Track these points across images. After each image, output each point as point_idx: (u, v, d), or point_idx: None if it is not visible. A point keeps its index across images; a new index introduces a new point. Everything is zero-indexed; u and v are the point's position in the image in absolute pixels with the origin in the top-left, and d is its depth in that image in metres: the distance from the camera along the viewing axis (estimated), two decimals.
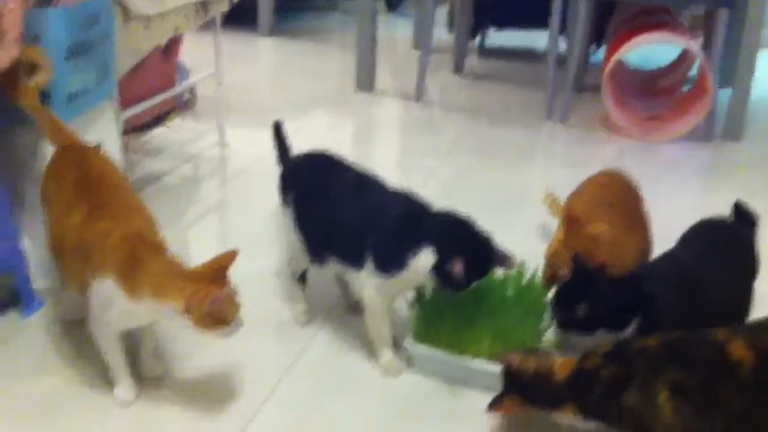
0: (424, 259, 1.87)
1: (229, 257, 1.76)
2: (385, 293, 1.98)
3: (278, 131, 2.30)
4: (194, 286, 1.69)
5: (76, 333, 2.11)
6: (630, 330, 1.82)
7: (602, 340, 1.77)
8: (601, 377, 1.67)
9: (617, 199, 2.20)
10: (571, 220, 2.07)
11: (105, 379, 1.93)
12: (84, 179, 1.94)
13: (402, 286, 1.98)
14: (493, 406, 1.80)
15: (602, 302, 1.83)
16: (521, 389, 1.77)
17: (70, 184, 1.93)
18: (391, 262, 1.92)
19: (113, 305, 1.76)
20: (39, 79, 2.06)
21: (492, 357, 1.89)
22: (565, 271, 1.94)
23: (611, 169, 2.32)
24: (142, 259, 1.75)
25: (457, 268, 1.83)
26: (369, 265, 1.95)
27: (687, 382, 1.59)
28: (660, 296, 1.84)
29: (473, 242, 1.89)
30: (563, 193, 2.42)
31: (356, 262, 1.98)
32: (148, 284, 1.72)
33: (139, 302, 1.74)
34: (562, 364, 1.74)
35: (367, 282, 1.98)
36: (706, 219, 2.07)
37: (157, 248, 1.81)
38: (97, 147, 2.18)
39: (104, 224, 1.81)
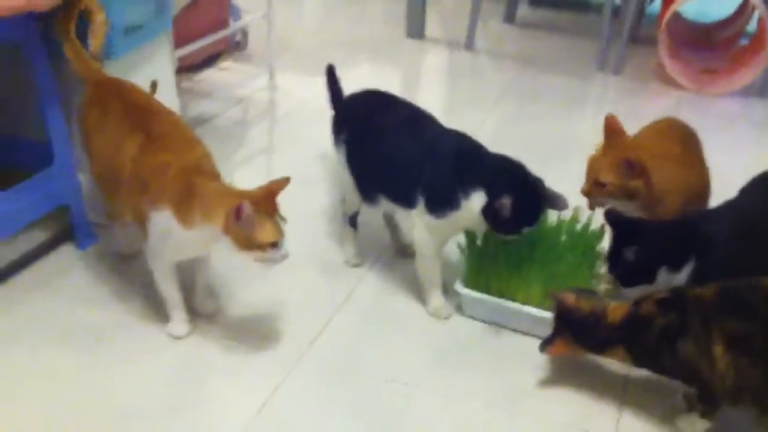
0: (476, 200, 1.87)
1: (281, 183, 1.76)
2: (436, 234, 1.98)
3: (331, 74, 2.28)
4: (236, 201, 1.69)
5: (127, 268, 2.15)
6: (685, 273, 1.79)
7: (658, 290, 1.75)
8: (656, 325, 1.66)
9: (674, 137, 2.15)
10: (612, 129, 2.00)
11: (157, 313, 1.96)
12: (135, 110, 1.94)
13: (454, 227, 1.97)
14: (545, 346, 1.81)
15: (653, 241, 1.80)
16: (572, 328, 1.77)
17: (119, 115, 1.93)
18: (443, 203, 1.91)
19: (170, 236, 1.78)
20: (92, 38, 2.06)
21: (545, 297, 1.88)
22: (608, 178, 1.92)
23: (670, 117, 2.27)
24: (197, 188, 1.76)
25: (505, 207, 1.81)
26: (421, 205, 1.94)
27: (743, 332, 1.57)
28: (717, 239, 1.81)
29: (523, 184, 1.87)
30: None
31: (408, 201, 1.97)
32: (200, 209, 1.74)
33: (192, 229, 1.75)
34: (615, 308, 1.74)
35: (418, 222, 1.97)
36: (766, 171, 2.02)
37: (213, 177, 1.82)
38: (153, 84, 2.19)
39: (163, 156, 1.81)
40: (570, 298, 1.78)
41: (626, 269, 1.82)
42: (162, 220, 1.77)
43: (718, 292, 1.63)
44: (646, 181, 1.93)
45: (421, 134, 2.01)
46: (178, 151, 1.84)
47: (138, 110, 1.95)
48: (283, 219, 1.75)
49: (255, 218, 1.69)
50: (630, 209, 1.96)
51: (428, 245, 2.00)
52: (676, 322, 1.64)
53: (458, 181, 1.89)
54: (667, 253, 1.80)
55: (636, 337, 1.70)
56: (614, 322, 1.72)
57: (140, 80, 2.24)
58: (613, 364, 1.85)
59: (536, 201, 1.89)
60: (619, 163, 1.93)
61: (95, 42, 2.06)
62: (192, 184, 1.75)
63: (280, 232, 1.73)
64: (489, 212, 1.85)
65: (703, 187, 2.07)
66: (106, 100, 1.99)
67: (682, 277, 1.79)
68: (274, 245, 1.72)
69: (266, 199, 1.73)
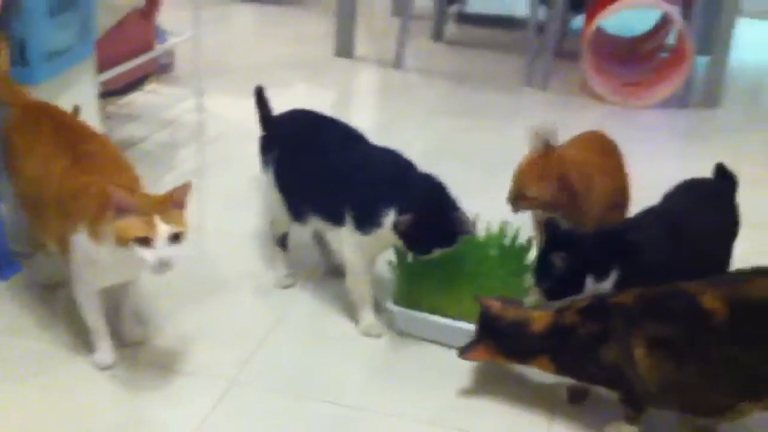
0: (392, 218, 1.88)
1: (181, 189, 1.68)
2: (364, 251, 1.99)
3: (260, 96, 2.27)
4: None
5: (52, 297, 2.10)
6: (611, 281, 1.82)
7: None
8: (579, 333, 1.69)
9: (597, 148, 2.20)
10: (537, 140, 2.02)
11: (85, 342, 1.92)
12: (64, 131, 1.91)
13: (381, 244, 1.98)
14: (466, 351, 1.82)
15: (580, 249, 1.83)
16: (496, 336, 1.78)
17: (48, 137, 1.90)
18: (367, 220, 1.92)
19: (90, 258, 1.73)
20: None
21: (473, 301, 1.88)
22: (532, 191, 1.96)
23: (592, 130, 2.32)
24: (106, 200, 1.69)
25: (403, 223, 1.83)
26: (349, 222, 1.95)
27: (663, 335, 1.61)
28: (641, 245, 1.85)
29: (429, 204, 1.88)
30: None
31: (337, 218, 1.98)
32: (108, 221, 1.66)
33: (103, 243, 1.68)
34: (539, 316, 1.76)
35: (347, 239, 1.98)
36: (689, 178, 2.08)
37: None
38: (75, 109, 2.16)
39: (87, 178, 1.77)
40: (495, 305, 1.79)
41: (554, 280, 1.84)
42: (81, 242, 1.73)
43: (638, 298, 1.67)
44: (570, 194, 1.97)
45: (350, 151, 2.02)
46: (103, 172, 1.80)
47: (67, 132, 1.92)
48: (174, 223, 1.65)
49: (131, 211, 1.62)
50: (553, 215, 1.99)
51: (358, 262, 2.01)
52: (598, 330, 1.67)
53: (381, 198, 1.90)
54: (593, 262, 1.83)
55: (560, 346, 1.72)
56: (538, 330, 1.74)
57: (63, 105, 2.20)
58: (543, 375, 1.87)
59: (444, 222, 1.89)
60: (547, 179, 1.96)
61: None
62: (107, 203, 1.67)
63: (153, 230, 1.62)
64: (394, 229, 1.87)
65: (623, 195, 2.12)
66: (36, 123, 1.95)
67: (607, 284, 1.83)
68: (145, 242, 1.63)
69: (159, 201, 1.66)
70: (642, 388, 1.64)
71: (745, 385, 1.59)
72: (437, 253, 1.91)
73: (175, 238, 1.65)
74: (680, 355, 1.60)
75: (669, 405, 1.66)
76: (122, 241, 1.63)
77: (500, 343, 1.78)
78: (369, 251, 2.00)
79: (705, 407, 1.63)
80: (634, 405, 1.69)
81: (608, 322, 1.66)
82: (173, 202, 1.68)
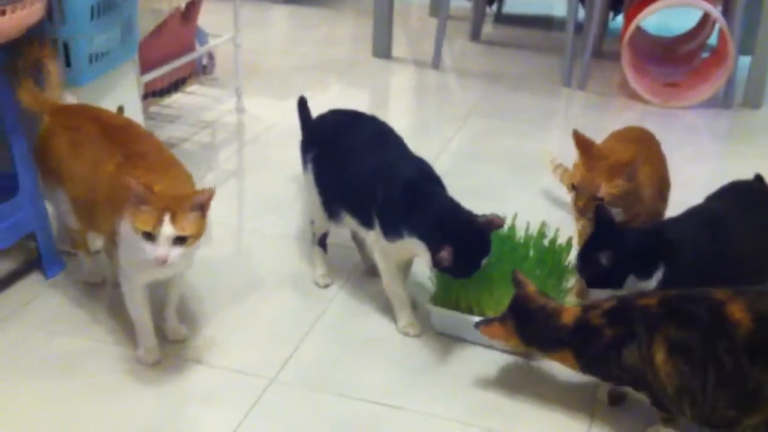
0: (417, 244, 1.90)
1: (203, 193, 1.70)
2: (391, 256, 2.01)
3: (302, 106, 2.30)
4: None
5: (97, 294, 2.14)
6: (655, 280, 1.82)
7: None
8: (604, 335, 1.68)
9: (636, 139, 2.18)
10: (581, 142, 2.01)
11: (128, 339, 1.95)
12: (112, 131, 1.94)
13: (406, 252, 1.99)
14: (483, 324, 1.82)
15: (627, 248, 1.83)
16: (523, 317, 1.78)
17: (96, 137, 1.92)
18: (392, 230, 1.95)
19: (132, 248, 1.75)
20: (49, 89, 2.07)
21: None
22: (607, 191, 1.93)
23: (630, 125, 2.31)
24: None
25: (445, 259, 1.83)
26: (377, 227, 1.97)
27: (684, 340, 1.60)
28: (686, 246, 1.84)
29: (461, 233, 1.87)
30: None
31: (367, 221, 2.01)
32: (128, 209, 1.72)
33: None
34: (569, 310, 1.75)
35: (376, 243, 2.01)
36: (734, 181, 2.06)
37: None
38: (120, 110, 2.19)
39: (138, 172, 1.78)
40: (531, 287, 1.79)
41: (596, 273, 1.85)
42: (127, 232, 1.75)
43: (663, 301, 1.66)
44: (635, 186, 1.96)
45: (382, 156, 2.04)
46: (154, 169, 1.82)
47: (115, 131, 1.95)
48: (179, 227, 1.66)
49: (144, 203, 1.66)
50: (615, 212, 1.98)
51: (387, 266, 2.03)
52: (622, 332, 1.67)
53: (404, 215, 1.92)
54: (636, 262, 1.83)
55: (585, 344, 1.72)
56: (567, 323, 1.74)
57: (107, 106, 2.24)
58: (583, 377, 1.87)
59: (475, 246, 1.89)
60: (617, 176, 1.94)
61: (53, 92, 2.07)
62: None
63: (156, 229, 1.65)
64: (434, 261, 1.86)
65: (665, 185, 2.11)
66: (78, 125, 1.98)
67: (651, 283, 1.82)
68: (148, 236, 1.67)
69: (175, 201, 1.68)
70: (661, 393, 1.63)
71: (752, 400, 1.57)
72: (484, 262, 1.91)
73: (179, 240, 1.68)
74: (697, 362, 1.58)
75: (685, 411, 1.64)
76: (135, 231, 1.69)
77: (524, 326, 1.77)
78: (397, 256, 2.01)
79: (713, 418, 1.61)
80: (664, 407, 1.68)
81: (632, 325, 1.66)
82: (191, 205, 1.69)
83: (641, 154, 2.06)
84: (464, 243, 1.85)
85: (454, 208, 1.92)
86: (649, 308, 1.66)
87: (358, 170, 2.03)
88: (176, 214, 1.66)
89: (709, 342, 1.58)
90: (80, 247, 2.14)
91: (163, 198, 1.68)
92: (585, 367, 1.75)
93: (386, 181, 1.97)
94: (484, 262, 1.89)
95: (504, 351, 1.97)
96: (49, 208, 2.20)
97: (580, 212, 2.01)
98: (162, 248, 1.66)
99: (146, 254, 1.68)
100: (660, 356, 1.61)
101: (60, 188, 2.02)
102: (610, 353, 1.68)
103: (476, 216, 1.89)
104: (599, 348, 1.69)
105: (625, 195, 1.96)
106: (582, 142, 2.02)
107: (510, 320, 1.79)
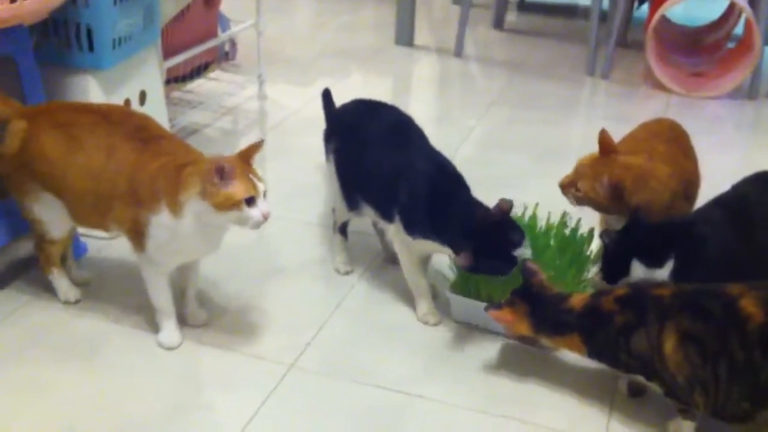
0: (440, 246, 1.92)
1: (255, 146, 1.80)
2: (412, 249, 2.01)
3: (327, 98, 2.30)
4: (210, 165, 1.71)
5: (118, 277, 2.15)
6: (667, 269, 1.81)
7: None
8: (615, 321, 1.68)
9: (663, 135, 2.17)
10: (605, 144, 2.03)
11: (147, 322, 1.96)
12: (110, 117, 1.89)
13: (427, 248, 2.00)
14: (493, 307, 1.82)
15: (630, 233, 1.86)
16: (533, 300, 1.78)
17: (95, 127, 1.86)
18: (414, 228, 1.95)
19: (169, 235, 1.78)
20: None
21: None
22: (584, 185, 1.99)
23: (661, 117, 2.30)
24: (179, 174, 1.77)
25: (464, 261, 1.84)
26: (397, 222, 1.98)
27: (696, 331, 1.59)
28: (702, 236, 1.83)
29: (477, 233, 1.86)
30: None
31: (387, 215, 2.02)
32: (182, 188, 1.75)
33: (182, 214, 1.75)
34: (578, 296, 1.76)
35: (396, 236, 2.02)
36: (759, 171, 2.03)
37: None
38: (126, 102, 2.19)
39: (162, 158, 1.81)
40: (541, 273, 1.80)
41: (603, 259, 1.89)
42: (161, 221, 1.77)
43: (677, 293, 1.65)
44: (620, 203, 1.98)
45: (403, 152, 2.03)
46: (173, 152, 1.83)
47: (114, 117, 1.89)
48: (260, 179, 1.76)
49: (231, 177, 1.70)
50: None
51: (407, 258, 2.04)
52: (633, 319, 1.66)
53: (426, 218, 1.92)
54: (641, 247, 1.83)
55: (594, 329, 1.72)
56: (576, 307, 1.74)
57: (129, 91, 2.25)
58: (602, 367, 1.86)
59: (497, 241, 1.87)
60: (600, 180, 1.98)
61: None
62: (181, 175, 1.76)
63: (256, 189, 1.73)
64: (455, 264, 1.90)
65: (692, 183, 2.09)
66: (70, 119, 1.88)
67: (663, 273, 1.82)
68: (251, 202, 1.72)
69: (240, 160, 1.75)
70: (671, 382, 1.62)
71: (766, 394, 1.55)
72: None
73: (265, 193, 1.76)
74: (708, 354, 1.57)
75: (698, 403, 1.63)
76: (228, 205, 1.71)
77: (534, 310, 1.77)
78: (417, 250, 2.02)
79: (727, 410, 1.60)
80: (677, 398, 1.67)
81: (643, 312, 1.65)
82: (250, 158, 1.78)
83: (660, 153, 2.05)
84: (483, 241, 1.85)
85: (470, 208, 1.91)
86: (662, 298, 1.65)
87: (380, 165, 2.03)
88: (253, 171, 1.75)
89: (721, 336, 1.56)
90: (55, 263, 2.03)
91: (239, 162, 1.74)
92: (593, 352, 1.74)
93: (408, 180, 1.97)
94: (520, 252, 1.87)
95: (508, 337, 1.95)
96: None
97: (560, 187, 2.05)
98: (265, 204, 1.74)
99: (252, 219, 1.73)
100: (670, 344, 1.60)
101: (48, 193, 1.91)
102: (619, 339, 1.67)
103: (490, 211, 1.88)
104: (609, 334, 1.69)
105: (604, 206, 2.01)
106: (604, 141, 2.03)
107: (520, 305, 1.79)
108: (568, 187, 2.05)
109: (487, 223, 1.87)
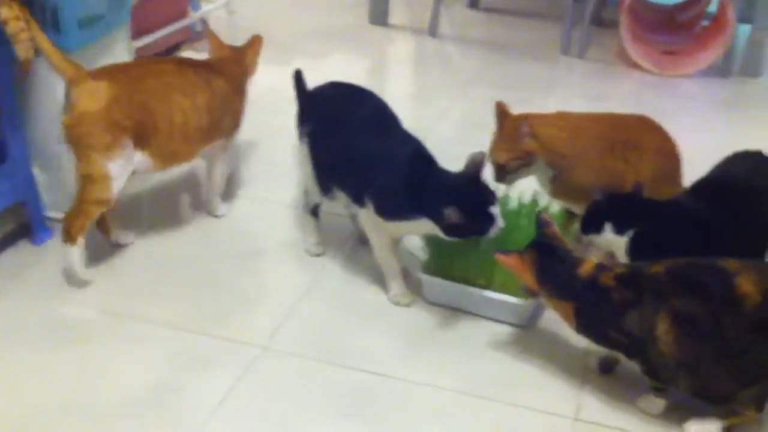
0: (425, 223, 1.89)
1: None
2: (384, 233, 2.01)
3: (299, 80, 2.27)
4: None
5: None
6: (626, 237, 1.89)
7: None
8: (611, 297, 1.68)
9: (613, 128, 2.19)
10: (502, 111, 2.13)
11: (118, 305, 1.95)
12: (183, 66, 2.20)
13: (401, 231, 2.00)
14: (503, 252, 1.81)
15: (608, 200, 1.93)
16: (547, 253, 1.76)
17: (179, 73, 2.15)
18: (389, 211, 1.94)
19: None
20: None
21: (515, 283, 1.88)
22: (502, 157, 2.06)
23: (639, 114, 2.30)
24: None
25: (453, 217, 1.82)
26: (369, 206, 1.96)
27: (690, 311, 1.59)
28: (661, 212, 1.91)
29: (458, 191, 1.88)
30: None
31: (359, 199, 2.00)
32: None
33: None
34: (587, 264, 1.74)
35: (367, 221, 2.01)
36: (740, 151, 2.05)
37: None
38: None
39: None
40: (557, 228, 1.80)
41: (587, 212, 1.97)
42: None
43: (670, 269, 1.65)
44: (538, 142, 2.05)
45: (376, 136, 2.02)
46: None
47: (176, 59, 2.24)
48: None
49: None
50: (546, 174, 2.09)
51: (378, 242, 2.04)
52: (630, 297, 1.66)
53: (406, 199, 1.91)
54: (612, 212, 1.91)
55: (589, 302, 1.71)
56: (581, 275, 1.72)
57: None
58: (574, 346, 1.86)
59: (477, 196, 1.88)
60: (520, 130, 2.05)
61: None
62: None
63: None
64: (443, 228, 1.87)
65: (668, 177, 2.10)
66: (152, 70, 2.13)
67: (622, 241, 1.90)
68: None
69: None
70: (661, 362, 1.63)
71: (749, 373, 1.57)
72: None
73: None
74: (700, 334, 1.58)
75: (681, 383, 1.64)
76: None
77: (545, 262, 1.76)
78: (390, 234, 2.01)
79: (709, 390, 1.62)
80: (657, 376, 1.68)
81: (640, 292, 1.65)
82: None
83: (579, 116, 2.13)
84: (464, 197, 1.84)
85: (444, 174, 1.92)
86: (657, 276, 1.64)
87: (352, 150, 2.02)
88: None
89: (715, 315, 1.57)
90: (83, 233, 2.02)
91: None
92: (582, 326, 1.74)
93: (380, 165, 1.96)
94: (496, 210, 1.87)
95: (497, 320, 1.96)
96: (38, 175, 2.18)
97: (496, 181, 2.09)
98: None
99: None
100: (663, 327, 1.60)
101: (130, 148, 2.01)
102: (612, 315, 1.67)
103: (464, 169, 1.89)
104: (602, 308, 1.69)
105: (524, 154, 2.05)
106: (500, 110, 2.12)
107: (531, 254, 1.77)
108: (498, 174, 2.08)
109: (463, 180, 1.87)
